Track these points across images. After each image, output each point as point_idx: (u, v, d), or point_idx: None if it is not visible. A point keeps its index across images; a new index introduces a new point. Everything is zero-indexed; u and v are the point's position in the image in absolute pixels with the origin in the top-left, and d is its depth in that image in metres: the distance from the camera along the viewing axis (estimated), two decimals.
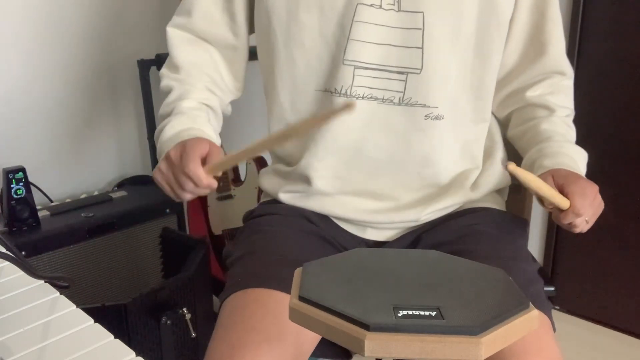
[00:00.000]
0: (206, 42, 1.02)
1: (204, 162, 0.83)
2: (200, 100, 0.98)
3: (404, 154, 0.95)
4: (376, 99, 0.92)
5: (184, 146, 0.84)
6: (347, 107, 0.64)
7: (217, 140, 0.96)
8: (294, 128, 0.75)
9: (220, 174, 0.85)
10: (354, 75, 0.91)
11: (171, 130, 0.92)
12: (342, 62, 0.91)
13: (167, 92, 0.99)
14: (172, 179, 0.85)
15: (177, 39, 1.01)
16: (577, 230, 0.86)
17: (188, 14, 1.00)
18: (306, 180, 0.98)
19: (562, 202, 0.84)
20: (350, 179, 0.97)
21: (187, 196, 0.86)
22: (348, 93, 0.92)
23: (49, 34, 1.54)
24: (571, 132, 0.99)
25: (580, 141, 0.99)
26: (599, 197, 0.86)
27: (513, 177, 0.79)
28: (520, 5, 0.95)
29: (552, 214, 0.87)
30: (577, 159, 0.92)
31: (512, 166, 0.74)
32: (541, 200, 0.87)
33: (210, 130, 0.94)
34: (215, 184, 0.83)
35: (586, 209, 0.83)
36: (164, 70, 1.02)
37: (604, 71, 1.83)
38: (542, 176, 0.89)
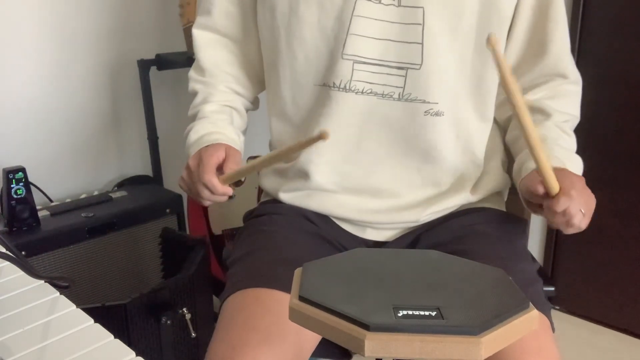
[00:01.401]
0: (228, 40, 1.05)
1: (221, 168, 0.91)
2: (223, 102, 1.03)
3: (403, 150, 0.95)
4: (376, 94, 0.92)
5: (200, 156, 0.91)
6: (321, 136, 0.72)
7: (240, 140, 1.01)
8: (280, 154, 0.85)
9: (242, 179, 0.94)
10: (353, 69, 0.91)
11: (194, 135, 0.98)
12: (341, 57, 0.91)
13: (193, 94, 1.05)
14: (192, 186, 0.93)
15: (202, 41, 1.05)
16: (576, 222, 0.81)
17: (208, 12, 1.04)
18: (305, 175, 0.98)
19: (553, 179, 0.79)
20: (350, 174, 0.98)
21: (207, 202, 0.94)
22: (347, 87, 0.92)
23: (49, 34, 1.55)
24: (565, 137, 0.95)
25: (581, 141, 0.97)
26: (588, 188, 0.83)
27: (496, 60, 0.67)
28: (523, 3, 0.94)
29: (545, 213, 0.82)
30: (566, 163, 0.88)
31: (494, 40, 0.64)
32: (529, 204, 0.85)
33: (231, 132, 0.99)
34: (230, 191, 0.91)
35: (578, 193, 0.79)
36: (191, 73, 1.07)
37: (604, 71, 1.83)
38: (528, 175, 0.88)
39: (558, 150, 0.92)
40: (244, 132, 1.06)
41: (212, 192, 0.90)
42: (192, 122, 1.02)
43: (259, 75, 1.08)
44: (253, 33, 1.03)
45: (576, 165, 0.90)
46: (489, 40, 0.65)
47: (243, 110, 1.07)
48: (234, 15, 1.03)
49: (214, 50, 1.05)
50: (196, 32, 1.05)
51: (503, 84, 0.69)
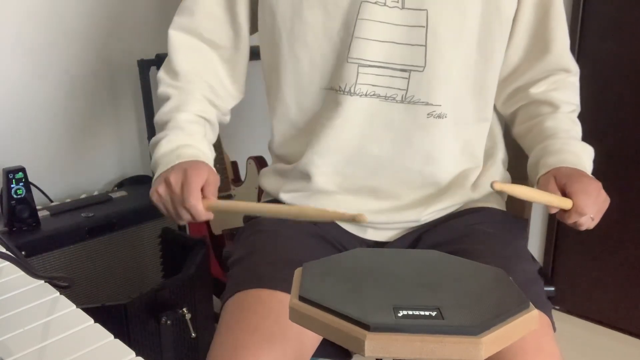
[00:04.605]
0: (207, 46, 1.01)
1: (202, 190, 0.86)
2: (197, 112, 0.97)
3: (405, 152, 0.95)
4: (379, 96, 0.92)
5: (185, 175, 0.85)
6: (358, 218, 0.69)
7: (212, 155, 0.97)
8: (302, 211, 0.83)
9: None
10: (357, 73, 0.91)
11: (168, 145, 0.92)
12: (347, 60, 0.91)
13: (165, 98, 0.99)
14: (170, 206, 0.88)
15: (179, 44, 1.00)
16: (583, 228, 0.86)
17: (191, 13, 1.00)
18: (306, 177, 0.98)
19: (563, 203, 0.84)
20: (351, 176, 0.98)
21: (183, 222, 0.91)
22: (352, 91, 0.92)
23: (49, 33, 1.54)
24: (576, 128, 0.98)
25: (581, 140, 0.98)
26: (603, 193, 0.86)
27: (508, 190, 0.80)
28: (524, 2, 0.95)
29: (557, 214, 0.87)
30: (582, 156, 0.92)
31: (498, 185, 0.74)
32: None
33: (205, 146, 0.95)
34: (212, 216, 0.86)
35: (589, 207, 0.83)
36: (162, 75, 1.01)
37: (604, 69, 1.83)
38: (545, 177, 0.89)
39: (574, 143, 0.94)
40: (218, 137, 1.02)
41: (193, 217, 0.86)
42: (163, 131, 0.95)
43: (239, 85, 1.05)
44: (241, 39, 1.01)
45: (590, 156, 0.94)
46: (493, 188, 0.75)
47: (216, 123, 1.02)
48: (219, 18, 0.99)
49: (191, 55, 1.00)
50: (173, 33, 1.00)
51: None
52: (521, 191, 0.80)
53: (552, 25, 0.96)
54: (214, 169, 0.92)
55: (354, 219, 0.69)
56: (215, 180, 0.88)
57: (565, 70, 1.00)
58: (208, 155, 0.94)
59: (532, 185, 0.94)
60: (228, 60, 1.03)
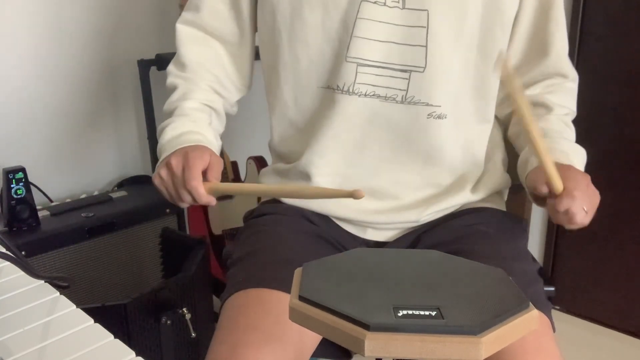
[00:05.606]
0: (214, 39, 1.03)
1: (204, 174, 0.86)
2: (203, 101, 0.99)
3: (405, 153, 0.95)
4: (379, 96, 0.92)
5: (186, 158, 0.85)
6: (355, 194, 0.69)
7: (218, 143, 0.98)
8: (302, 191, 0.83)
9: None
10: (356, 72, 0.91)
11: (172, 132, 0.93)
12: (345, 59, 0.91)
13: (172, 89, 1.01)
14: (172, 188, 0.88)
15: (186, 37, 1.02)
16: (577, 220, 0.82)
17: (196, 9, 1.01)
18: (306, 177, 0.98)
19: (556, 176, 0.81)
20: (351, 177, 0.98)
21: (185, 205, 0.89)
22: (350, 90, 0.92)
23: (49, 34, 1.55)
24: (568, 130, 0.98)
25: (579, 141, 0.98)
26: (592, 186, 0.85)
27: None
28: (525, 5, 0.95)
29: (549, 209, 0.84)
30: (571, 155, 0.91)
31: (503, 62, 0.69)
32: (536, 198, 0.86)
33: (210, 133, 0.95)
34: (214, 201, 0.86)
35: (581, 193, 0.81)
36: (170, 67, 1.03)
37: (603, 71, 1.83)
38: (534, 170, 0.89)
39: (564, 143, 0.93)
40: (220, 136, 1.02)
41: (195, 199, 0.86)
42: (169, 118, 0.97)
43: (244, 79, 1.06)
44: (246, 35, 1.02)
45: (581, 158, 0.93)
46: (499, 59, 0.69)
47: (223, 112, 1.04)
48: (224, 15, 1.01)
49: (198, 48, 1.02)
50: (180, 27, 1.03)
51: (513, 101, 0.74)
52: (524, 104, 0.75)
53: (551, 28, 0.96)
54: (216, 154, 0.91)
55: (351, 195, 0.70)
56: (217, 163, 0.88)
57: (562, 75, 1.00)
58: (212, 142, 0.95)
59: (524, 189, 0.94)
60: (234, 55, 1.04)
